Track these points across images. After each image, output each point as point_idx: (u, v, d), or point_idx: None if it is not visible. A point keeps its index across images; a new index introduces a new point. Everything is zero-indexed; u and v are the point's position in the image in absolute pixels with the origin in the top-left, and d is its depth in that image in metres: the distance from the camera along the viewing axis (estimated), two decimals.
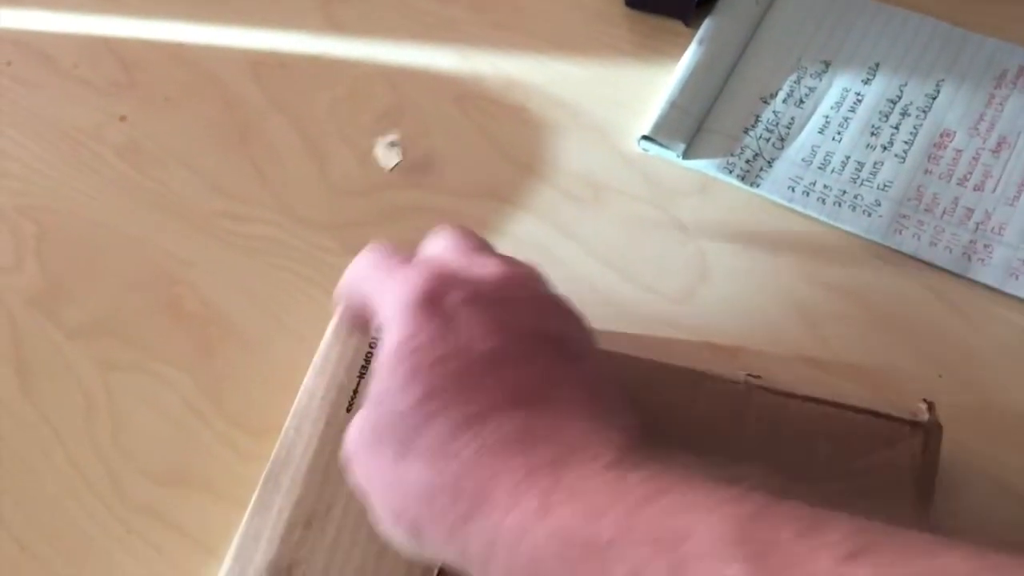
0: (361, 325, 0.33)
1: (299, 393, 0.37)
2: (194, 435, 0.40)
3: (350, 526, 0.34)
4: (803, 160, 0.43)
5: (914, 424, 0.33)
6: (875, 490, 0.32)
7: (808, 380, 0.38)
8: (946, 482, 0.34)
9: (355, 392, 0.36)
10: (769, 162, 0.43)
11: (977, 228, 0.40)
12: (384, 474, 0.27)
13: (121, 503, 0.39)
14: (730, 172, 0.43)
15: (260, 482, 0.35)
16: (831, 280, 0.41)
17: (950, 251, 0.40)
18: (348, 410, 0.36)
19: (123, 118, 0.48)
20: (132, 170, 0.47)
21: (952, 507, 0.35)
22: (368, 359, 0.37)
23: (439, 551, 0.26)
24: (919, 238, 0.41)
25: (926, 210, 0.41)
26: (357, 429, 0.28)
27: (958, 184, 0.42)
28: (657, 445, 0.27)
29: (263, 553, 0.33)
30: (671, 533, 0.21)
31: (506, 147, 0.46)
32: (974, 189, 0.41)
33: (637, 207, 0.43)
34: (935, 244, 0.40)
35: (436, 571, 0.32)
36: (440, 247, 0.31)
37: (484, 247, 0.31)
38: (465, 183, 0.45)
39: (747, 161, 0.43)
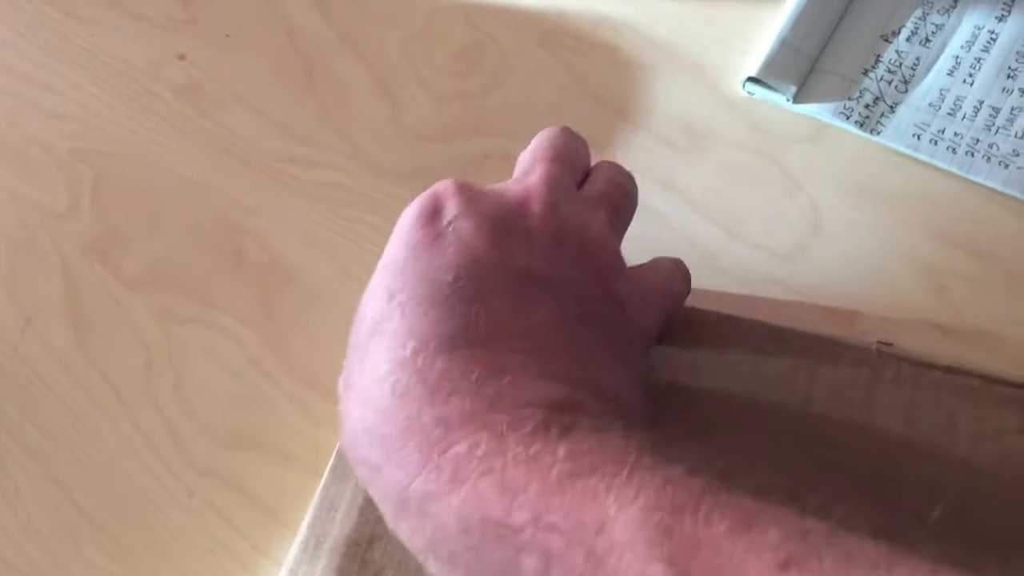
0: None
1: None
2: (261, 394, 0.37)
3: None
4: (930, 105, 0.39)
5: None
6: None
7: (939, 350, 0.34)
8: None
9: None
10: (891, 107, 0.39)
11: None
12: (343, 401, 0.25)
13: (184, 465, 0.36)
14: (847, 118, 0.39)
15: (336, 449, 0.32)
16: (963, 238, 0.36)
17: None
18: None
19: (182, 56, 0.45)
20: (192, 111, 0.44)
21: None
22: None
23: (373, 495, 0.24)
24: None
25: None
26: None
27: None
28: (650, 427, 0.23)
29: (340, 526, 0.31)
30: (589, 521, 0.19)
31: (596, 90, 0.42)
32: None
33: (741, 155, 0.39)
34: None
35: None
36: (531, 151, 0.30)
37: (550, 158, 0.29)
38: None
39: (866, 105, 0.39)
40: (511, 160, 0.41)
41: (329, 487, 0.32)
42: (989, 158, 0.37)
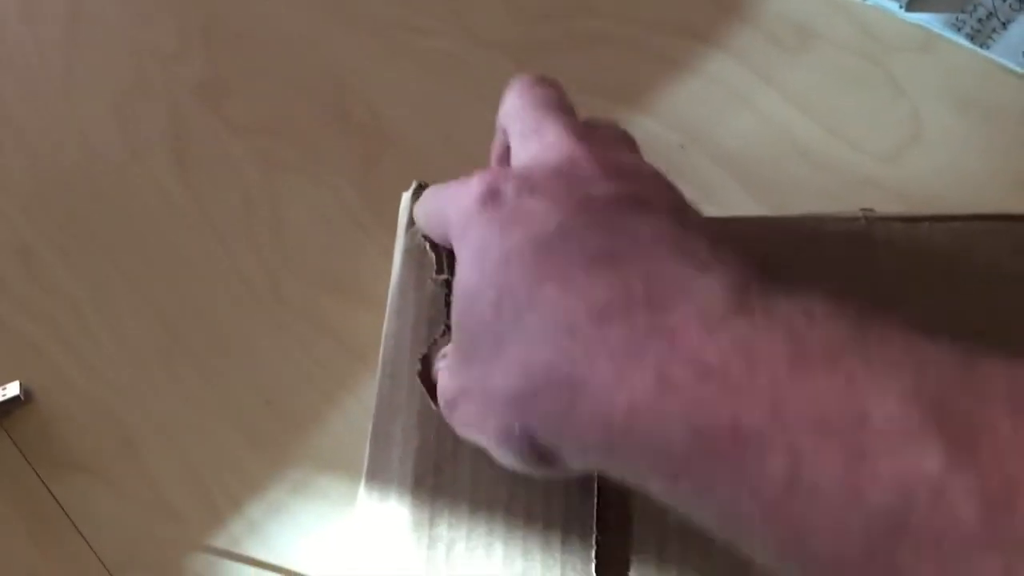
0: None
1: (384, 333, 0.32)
2: (355, 244, 0.39)
3: (484, 465, 0.29)
4: None
5: None
6: None
7: None
8: None
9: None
10: (1004, 23, 0.39)
11: None
12: (477, 393, 0.23)
13: (276, 301, 0.38)
14: (958, 30, 0.39)
15: (369, 439, 0.30)
16: None
17: None
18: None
19: None
20: None
21: None
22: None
23: (565, 459, 0.22)
24: None
25: None
26: (446, 377, 0.24)
27: None
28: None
29: (393, 510, 0.29)
30: (839, 415, 0.17)
31: None
32: None
33: (848, 59, 0.40)
34: None
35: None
36: (504, 113, 0.27)
37: (550, 112, 0.27)
38: (660, 16, 0.42)
39: (979, 20, 0.39)
40: (615, 42, 0.41)
41: (372, 478, 0.29)
42: None
